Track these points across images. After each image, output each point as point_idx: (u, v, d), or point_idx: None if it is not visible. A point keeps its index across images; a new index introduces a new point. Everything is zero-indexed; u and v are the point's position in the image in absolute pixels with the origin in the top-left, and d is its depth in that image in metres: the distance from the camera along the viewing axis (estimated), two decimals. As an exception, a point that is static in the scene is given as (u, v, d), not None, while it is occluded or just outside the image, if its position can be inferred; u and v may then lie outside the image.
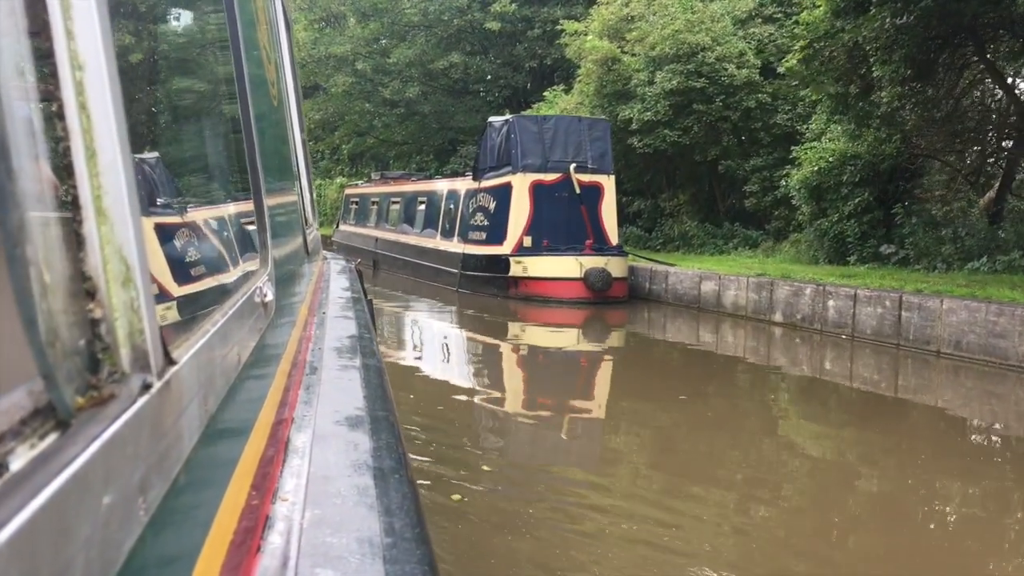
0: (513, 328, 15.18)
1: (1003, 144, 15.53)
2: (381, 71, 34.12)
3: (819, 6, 14.18)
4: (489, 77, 34.94)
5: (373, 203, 25.90)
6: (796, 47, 14.86)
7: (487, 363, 12.15)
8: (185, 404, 0.94)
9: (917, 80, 14.18)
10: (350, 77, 34.31)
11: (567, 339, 14.16)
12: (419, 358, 12.12)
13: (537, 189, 16.62)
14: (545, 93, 27.34)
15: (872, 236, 16.24)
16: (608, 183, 17.00)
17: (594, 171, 16.82)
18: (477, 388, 10.00)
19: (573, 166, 16.58)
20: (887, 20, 12.79)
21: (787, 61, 16.48)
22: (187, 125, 1.69)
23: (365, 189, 27.84)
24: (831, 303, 12.01)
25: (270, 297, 1.86)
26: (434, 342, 13.98)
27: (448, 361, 12.23)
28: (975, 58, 14.42)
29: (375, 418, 1.48)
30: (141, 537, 0.72)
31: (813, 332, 12.42)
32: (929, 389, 9.72)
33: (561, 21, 27.30)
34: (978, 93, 16.57)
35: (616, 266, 15.92)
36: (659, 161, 23.43)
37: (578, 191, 16.47)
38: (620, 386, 10.28)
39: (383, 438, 1.37)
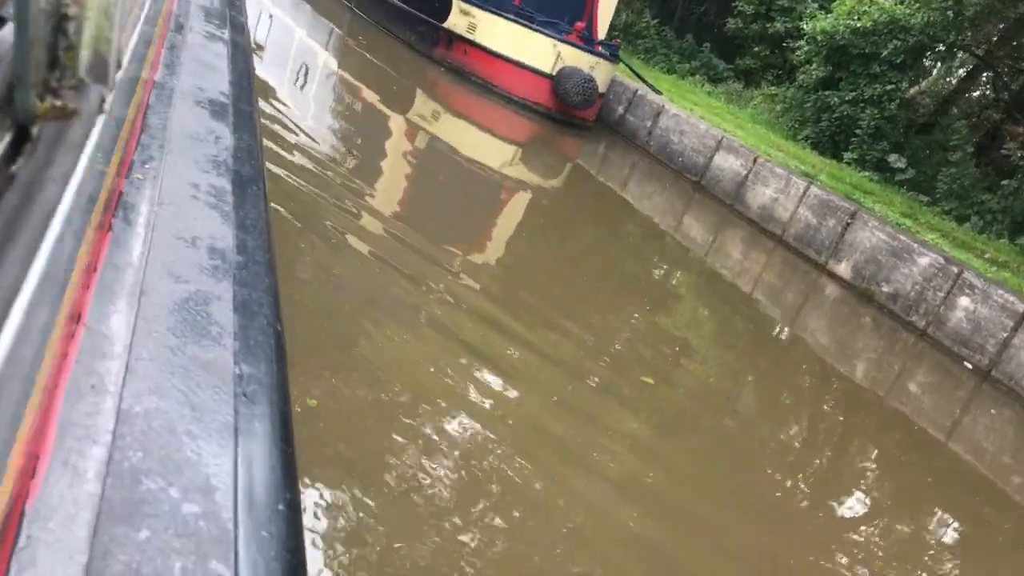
0: (423, 106, 10.38)
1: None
2: None
3: None
4: None
5: None
6: None
7: (367, 151, 8.08)
8: None
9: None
10: None
11: (496, 156, 9.71)
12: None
13: None
14: None
15: (886, 138, 12.82)
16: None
17: None
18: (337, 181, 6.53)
19: None
20: None
21: None
22: None
23: None
24: (962, 302, 7.24)
25: None
26: (292, 84, 9.29)
27: (309, 128, 7.83)
28: None
29: (240, 112, 1.32)
30: None
31: (914, 333, 7.78)
32: None
33: None
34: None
35: (603, 74, 11.05)
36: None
37: None
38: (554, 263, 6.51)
39: (244, 139, 1.23)
